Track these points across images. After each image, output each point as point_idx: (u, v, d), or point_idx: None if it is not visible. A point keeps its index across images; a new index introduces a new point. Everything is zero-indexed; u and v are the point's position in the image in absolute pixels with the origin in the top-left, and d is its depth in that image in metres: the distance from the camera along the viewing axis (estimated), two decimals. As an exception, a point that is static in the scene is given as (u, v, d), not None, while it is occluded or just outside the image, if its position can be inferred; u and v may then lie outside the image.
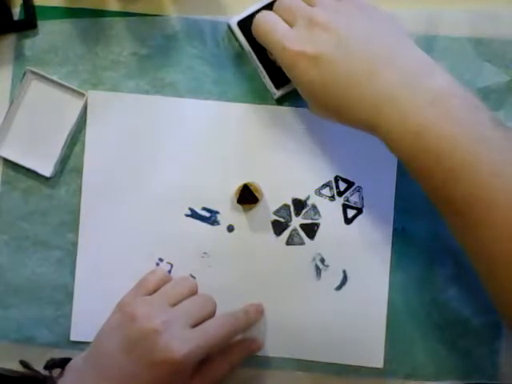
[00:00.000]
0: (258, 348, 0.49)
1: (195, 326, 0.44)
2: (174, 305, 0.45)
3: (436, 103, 0.39)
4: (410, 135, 0.39)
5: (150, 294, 0.46)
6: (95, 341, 0.45)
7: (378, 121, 0.41)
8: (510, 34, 0.51)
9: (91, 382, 0.43)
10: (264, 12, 0.46)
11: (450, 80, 0.40)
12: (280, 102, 0.51)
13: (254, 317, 0.48)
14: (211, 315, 0.45)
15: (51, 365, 0.46)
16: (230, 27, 0.50)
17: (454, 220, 0.40)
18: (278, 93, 0.50)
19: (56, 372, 0.46)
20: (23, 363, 0.49)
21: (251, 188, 0.49)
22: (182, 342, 0.42)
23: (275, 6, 0.46)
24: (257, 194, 0.49)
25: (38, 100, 0.51)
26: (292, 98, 0.51)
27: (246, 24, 0.49)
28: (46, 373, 0.46)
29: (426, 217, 0.49)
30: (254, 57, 0.50)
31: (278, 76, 0.49)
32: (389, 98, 0.40)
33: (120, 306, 0.45)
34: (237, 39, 0.50)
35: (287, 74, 0.45)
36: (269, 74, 0.50)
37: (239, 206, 0.50)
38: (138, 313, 0.43)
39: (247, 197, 0.49)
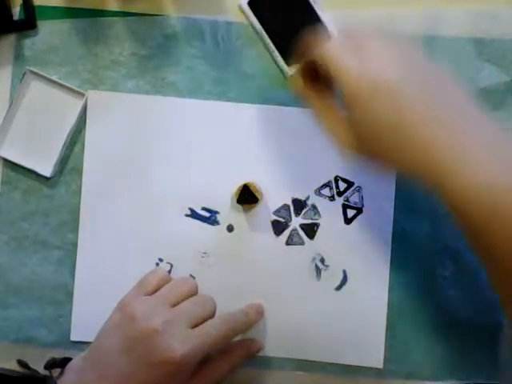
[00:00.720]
0: (258, 350, 0.49)
1: (195, 326, 0.43)
2: (174, 305, 0.45)
3: (497, 154, 0.36)
4: (477, 186, 0.36)
5: (150, 294, 0.46)
6: (95, 341, 0.45)
7: (442, 172, 0.37)
8: (510, 34, 0.51)
9: (91, 381, 0.43)
10: (334, 40, 0.43)
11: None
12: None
13: (254, 318, 0.48)
14: (211, 315, 0.45)
15: (51, 364, 0.46)
16: (240, 8, 0.51)
17: (496, 272, 0.37)
18: (290, 71, 0.50)
19: (56, 372, 0.46)
20: (21, 363, 0.49)
21: (251, 188, 0.49)
22: (181, 342, 0.41)
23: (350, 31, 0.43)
24: (257, 194, 0.49)
25: (37, 100, 0.51)
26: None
27: (256, 3, 0.50)
28: (45, 372, 0.46)
29: (426, 217, 0.49)
30: (265, 36, 0.50)
31: (290, 55, 0.50)
32: (458, 148, 0.37)
33: (120, 305, 0.45)
34: (247, 19, 0.51)
35: (347, 108, 0.40)
36: (280, 53, 0.50)
37: (239, 206, 0.50)
38: (138, 313, 0.43)
39: (247, 197, 0.49)
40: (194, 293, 0.46)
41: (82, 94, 0.51)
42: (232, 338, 0.46)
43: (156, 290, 0.46)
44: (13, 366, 0.49)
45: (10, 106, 0.51)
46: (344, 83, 0.39)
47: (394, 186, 0.50)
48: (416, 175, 0.38)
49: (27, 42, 0.51)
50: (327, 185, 0.51)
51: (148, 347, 0.41)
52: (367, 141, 0.40)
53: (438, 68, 0.40)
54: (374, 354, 0.50)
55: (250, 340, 0.49)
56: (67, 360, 0.46)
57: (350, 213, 0.51)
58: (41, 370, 0.47)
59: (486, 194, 0.35)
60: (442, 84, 0.39)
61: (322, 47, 0.41)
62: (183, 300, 0.45)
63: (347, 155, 0.41)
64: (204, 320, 0.44)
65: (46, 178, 0.51)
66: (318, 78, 0.44)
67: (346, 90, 0.39)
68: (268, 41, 0.50)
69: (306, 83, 0.44)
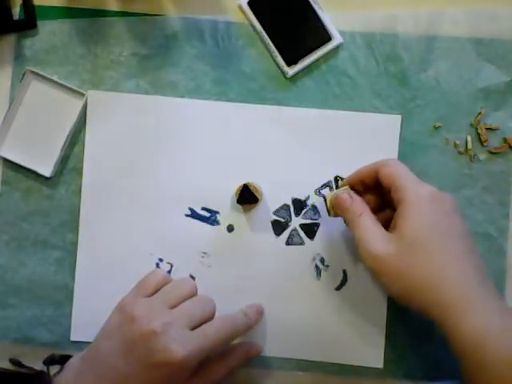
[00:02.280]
0: (257, 353, 0.49)
1: (195, 327, 0.43)
2: (174, 306, 0.44)
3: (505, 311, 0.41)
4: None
5: (150, 295, 0.46)
6: (94, 341, 0.45)
7: (472, 313, 0.41)
8: (510, 34, 0.51)
9: (88, 381, 0.43)
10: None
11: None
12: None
13: (254, 318, 0.48)
14: (211, 317, 0.45)
15: (50, 360, 0.46)
16: (240, 8, 0.51)
17: None
18: (290, 71, 0.50)
19: (55, 369, 0.46)
20: (13, 361, 0.49)
21: (251, 188, 0.49)
22: (181, 343, 0.41)
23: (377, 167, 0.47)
24: (257, 194, 0.49)
25: (37, 100, 0.51)
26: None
27: (256, 3, 0.50)
28: (41, 368, 0.46)
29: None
30: (265, 36, 0.50)
31: (290, 54, 0.50)
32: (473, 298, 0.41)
33: (119, 306, 0.45)
34: (247, 19, 0.51)
35: (409, 210, 0.44)
36: (280, 53, 0.50)
37: (239, 206, 0.50)
38: (137, 314, 0.43)
39: (247, 197, 0.49)
40: (193, 294, 0.46)
41: (82, 94, 0.51)
42: (232, 339, 0.46)
43: (155, 291, 0.46)
44: (13, 365, 0.49)
45: (9, 106, 0.51)
46: (413, 188, 0.44)
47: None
48: (435, 302, 0.42)
49: (27, 42, 0.51)
50: (327, 185, 0.51)
51: (147, 349, 0.41)
52: (406, 245, 0.43)
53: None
54: (374, 354, 0.50)
55: (249, 343, 0.49)
56: (67, 357, 0.46)
57: (350, 213, 0.51)
58: (40, 367, 0.47)
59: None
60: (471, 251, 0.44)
61: (391, 164, 0.46)
62: (183, 301, 0.45)
63: (371, 258, 0.43)
64: (203, 321, 0.44)
65: (46, 178, 0.51)
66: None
67: (413, 192, 0.44)
68: (268, 41, 0.50)
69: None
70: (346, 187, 0.47)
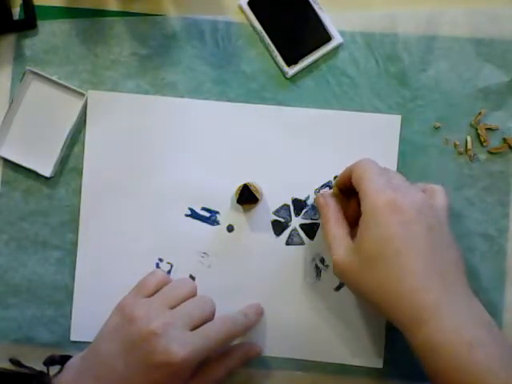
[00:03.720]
0: (256, 354, 0.49)
1: (194, 328, 0.43)
2: (174, 307, 0.44)
3: (487, 326, 0.40)
4: (464, 347, 0.39)
5: (150, 296, 0.46)
6: (94, 341, 0.45)
7: (425, 325, 0.40)
8: (510, 34, 0.51)
9: (88, 381, 0.43)
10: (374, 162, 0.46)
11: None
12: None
13: (253, 319, 0.48)
14: (210, 317, 0.45)
15: (50, 361, 0.46)
16: (240, 7, 0.51)
17: None
18: (290, 71, 0.50)
19: (55, 369, 0.46)
20: (13, 361, 0.48)
21: (251, 188, 0.49)
22: (181, 344, 0.41)
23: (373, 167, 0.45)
24: (257, 194, 0.49)
25: (37, 100, 0.51)
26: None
27: (256, 3, 0.50)
28: (41, 369, 0.46)
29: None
30: (265, 36, 0.50)
31: (290, 54, 0.50)
32: (443, 305, 0.40)
33: (119, 307, 0.45)
34: (247, 19, 0.51)
35: (366, 221, 0.43)
36: (280, 53, 0.50)
37: (239, 206, 0.50)
38: (137, 315, 0.43)
39: (247, 197, 0.49)
40: (193, 294, 0.46)
41: (82, 94, 0.51)
42: (231, 340, 0.46)
43: (155, 292, 0.46)
44: (12, 365, 0.49)
45: (9, 106, 0.51)
46: (372, 196, 0.42)
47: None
48: (392, 312, 0.41)
49: (27, 42, 0.51)
50: (327, 185, 0.51)
51: (147, 350, 0.41)
52: (364, 256, 0.42)
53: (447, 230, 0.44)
54: (373, 354, 0.50)
55: (249, 343, 0.49)
56: (67, 357, 0.46)
57: (350, 213, 0.51)
58: (40, 368, 0.47)
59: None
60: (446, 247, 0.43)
61: (359, 167, 0.45)
62: (182, 302, 0.45)
63: (338, 265, 0.44)
64: (203, 322, 0.44)
65: (46, 178, 0.51)
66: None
67: (371, 201, 0.42)
68: (268, 41, 0.50)
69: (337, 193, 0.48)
70: (328, 191, 0.48)
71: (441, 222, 0.43)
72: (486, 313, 0.41)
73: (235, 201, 0.49)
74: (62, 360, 0.46)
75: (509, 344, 0.40)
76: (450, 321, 0.39)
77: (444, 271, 0.41)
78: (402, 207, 0.42)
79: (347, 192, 0.47)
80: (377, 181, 0.43)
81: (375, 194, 0.42)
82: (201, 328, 0.44)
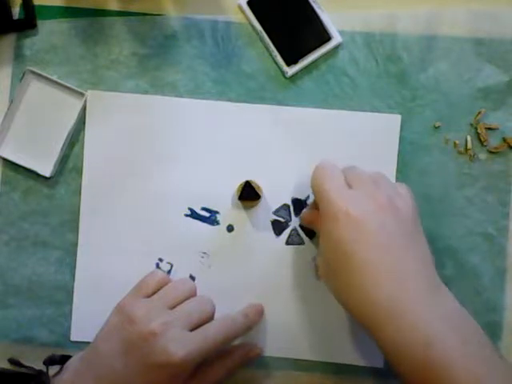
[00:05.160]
0: (256, 355, 0.49)
1: (194, 328, 0.43)
2: (173, 307, 0.44)
3: (447, 318, 0.39)
4: (420, 346, 0.38)
5: (149, 296, 0.46)
6: (94, 341, 0.45)
7: (382, 320, 0.40)
8: (510, 34, 0.51)
9: (87, 381, 0.43)
10: (331, 164, 0.46)
11: (459, 305, 0.41)
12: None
13: (253, 319, 0.48)
14: (210, 317, 0.45)
15: (50, 361, 0.46)
16: (240, 7, 0.51)
17: None
18: (289, 71, 0.50)
19: (55, 369, 0.46)
20: (13, 361, 0.48)
21: (253, 185, 0.49)
22: (180, 344, 0.41)
23: (346, 168, 0.46)
24: (258, 191, 0.49)
25: (37, 100, 0.51)
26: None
27: (255, 3, 0.50)
28: (41, 369, 0.46)
29: (426, 217, 0.49)
30: (265, 36, 0.50)
31: (289, 54, 0.50)
32: (401, 302, 0.40)
33: (118, 308, 0.45)
34: (247, 19, 0.51)
35: (319, 226, 0.44)
36: (280, 53, 0.50)
37: (239, 206, 0.50)
38: (136, 315, 0.43)
39: (249, 193, 0.49)
40: (192, 294, 0.46)
41: (82, 94, 0.51)
42: (231, 340, 0.46)
43: (155, 292, 0.46)
44: (13, 365, 0.49)
45: (9, 106, 0.51)
46: (324, 205, 0.43)
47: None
48: (357, 315, 0.42)
49: (27, 41, 0.51)
50: (327, 185, 0.51)
51: (146, 350, 0.41)
52: (325, 265, 0.44)
53: (411, 218, 0.43)
54: (374, 354, 0.50)
55: (249, 344, 0.49)
56: (66, 357, 0.46)
57: (350, 213, 0.51)
58: (40, 368, 0.47)
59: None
60: (405, 234, 0.42)
61: (314, 178, 0.46)
62: (182, 302, 0.45)
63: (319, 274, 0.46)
64: (203, 322, 0.44)
65: (46, 178, 0.51)
66: None
67: (323, 210, 0.43)
68: (268, 41, 0.50)
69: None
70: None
71: (398, 219, 0.42)
72: (452, 302, 0.41)
73: (236, 199, 0.49)
74: (62, 360, 0.46)
75: (475, 330, 0.40)
76: (406, 319, 0.39)
77: (401, 268, 0.41)
78: (353, 213, 0.41)
79: None
80: (328, 190, 0.43)
81: (328, 202, 0.43)
82: (200, 328, 0.44)
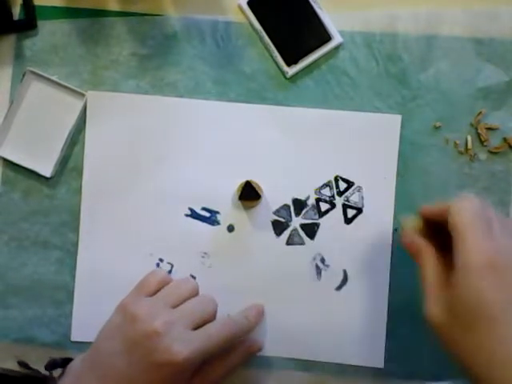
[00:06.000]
0: (258, 350, 0.49)
1: (196, 327, 0.43)
2: (175, 306, 0.45)
3: None
4: None
5: (151, 295, 0.46)
6: (95, 342, 0.45)
7: None
8: (510, 34, 0.51)
9: (91, 382, 0.43)
10: (476, 200, 0.41)
11: None
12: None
13: (254, 320, 0.48)
14: (212, 317, 0.45)
15: (52, 365, 0.46)
16: (240, 7, 0.51)
17: None
18: (290, 71, 0.50)
19: (57, 372, 0.46)
20: (21, 363, 0.48)
21: (253, 184, 0.49)
22: (183, 343, 0.41)
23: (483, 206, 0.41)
24: (258, 191, 0.49)
25: (37, 100, 0.51)
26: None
27: (255, 3, 0.50)
28: (46, 373, 0.46)
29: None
30: (265, 36, 0.50)
31: (289, 54, 0.50)
32: None
33: (121, 307, 0.45)
34: (247, 19, 0.51)
35: (460, 280, 0.38)
36: (280, 53, 0.50)
37: (240, 206, 0.50)
38: (139, 314, 0.43)
39: (249, 193, 0.49)
40: (194, 293, 0.46)
41: (82, 94, 0.51)
42: (233, 339, 0.45)
43: (156, 291, 0.46)
44: (13, 365, 0.50)
45: (9, 106, 0.51)
46: (467, 253, 0.38)
47: (394, 186, 0.50)
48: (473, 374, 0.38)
49: (27, 41, 0.51)
50: (327, 185, 0.51)
51: (149, 349, 0.41)
52: (456, 316, 0.38)
53: None
54: (374, 354, 0.50)
55: (250, 342, 0.49)
56: (68, 360, 0.46)
57: (350, 213, 0.51)
58: (41, 369, 0.47)
59: None
60: None
61: (458, 213, 0.40)
62: (184, 301, 0.45)
63: (429, 319, 0.40)
64: (205, 321, 0.44)
65: (46, 178, 0.51)
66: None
67: (465, 259, 0.38)
68: (268, 41, 0.50)
69: (425, 237, 0.43)
70: (410, 227, 0.44)
71: None
72: None
73: (236, 199, 0.49)
74: (64, 363, 0.46)
75: None
76: None
77: None
78: (502, 268, 0.37)
79: (433, 223, 0.43)
80: (476, 233, 0.38)
81: (472, 250, 0.38)
82: (203, 327, 0.44)
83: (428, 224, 0.44)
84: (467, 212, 0.39)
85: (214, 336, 0.43)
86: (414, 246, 0.43)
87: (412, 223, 0.44)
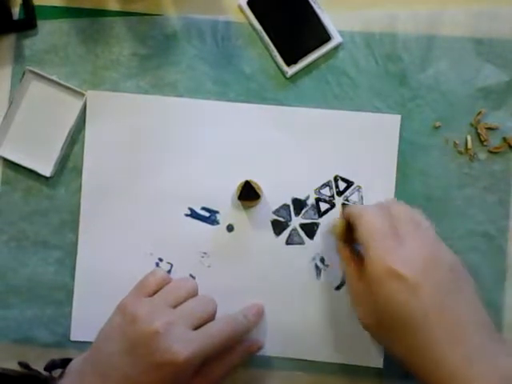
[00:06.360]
0: (258, 349, 0.49)
1: (197, 327, 0.43)
2: (175, 306, 0.44)
3: (505, 378, 0.38)
4: None
5: (151, 295, 0.46)
6: (95, 342, 0.44)
7: (440, 381, 0.39)
8: (510, 34, 0.51)
9: (91, 382, 0.43)
10: (375, 209, 0.44)
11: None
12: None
13: (254, 319, 0.48)
14: (212, 316, 0.45)
15: (52, 365, 0.46)
16: (240, 7, 0.51)
17: None
18: (289, 71, 0.50)
19: (57, 373, 0.46)
20: (22, 364, 0.48)
21: (253, 184, 0.49)
22: (184, 344, 0.41)
23: (387, 205, 0.45)
24: (258, 191, 0.49)
25: (37, 100, 0.51)
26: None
27: (255, 3, 0.50)
28: (46, 374, 0.46)
29: (426, 216, 0.49)
30: (265, 36, 0.50)
31: (289, 54, 0.50)
32: (462, 366, 0.39)
33: (120, 307, 0.45)
34: (247, 19, 0.51)
35: (367, 282, 0.42)
36: (280, 53, 0.50)
37: (239, 206, 0.50)
38: (139, 314, 0.43)
39: (249, 193, 0.49)
40: (194, 293, 0.46)
41: (82, 94, 0.51)
42: (234, 339, 0.45)
43: (156, 291, 0.46)
44: (13, 365, 0.49)
45: (9, 106, 0.51)
46: (370, 263, 0.42)
47: (394, 186, 0.50)
48: (415, 373, 0.41)
49: (27, 41, 0.51)
50: (327, 184, 0.51)
51: (150, 349, 0.41)
52: (375, 317, 0.42)
53: (460, 271, 0.42)
54: (374, 354, 0.50)
55: (250, 341, 0.49)
56: (67, 361, 0.46)
57: (350, 213, 0.51)
58: (41, 369, 0.47)
59: None
60: (458, 288, 0.41)
61: (363, 225, 0.43)
62: (184, 301, 0.45)
63: (360, 321, 0.44)
64: (205, 321, 0.44)
65: (46, 178, 0.51)
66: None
67: (369, 269, 0.42)
68: (268, 41, 0.50)
69: (346, 243, 0.47)
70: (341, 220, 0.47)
71: (446, 269, 0.41)
72: (508, 356, 0.39)
73: (236, 199, 0.49)
74: (63, 363, 0.46)
75: None
76: (460, 382, 0.38)
77: (460, 324, 0.40)
78: (404, 273, 0.40)
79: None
80: (377, 246, 0.42)
81: (373, 261, 0.41)
82: (204, 327, 0.44)
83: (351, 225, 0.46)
84: (370, 225, 0.43)
85: (214, 336, 0.43)
86: (341, 254, 0.47)
87: (338, 224, 0.47)
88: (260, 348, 0.49)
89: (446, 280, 0.41)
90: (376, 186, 0.50)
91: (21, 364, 0.48)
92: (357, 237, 0.44)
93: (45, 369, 0.46)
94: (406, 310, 0.40)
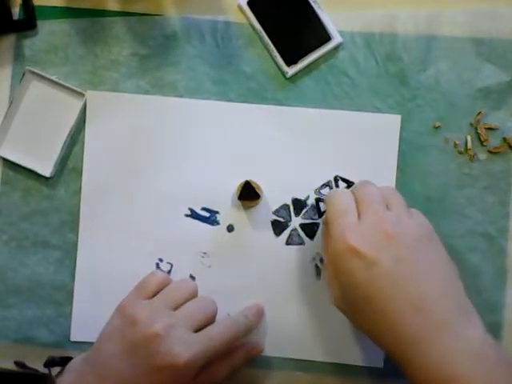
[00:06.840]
0: (259, 352, 0.49)
1: (197, 329, 0.43)
2: (175, 308, 0.44)
3: (473, 354, 0.38)
4: (444, 381, 0.38)
5: (150, 297, 0.46)
6: (96, 342, 0.44)
7: (410, 357, 0.39)
8: (510, 34, 0.51)
9: (91, 382, 0.43)
10: (344, 191, 0.45)
11: (484, 331, 0.40)
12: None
13: (254, 319, 0.48)
14: (213, 318, 0.45)
15: (50, 362, 0.46)
16: (240, 7, 0.51)
17: None
18: (289, 71, 0.50)
19: (55, 370, 0.46)
20: (19, 363, 0.48)
21: (253, 184, 0.49)
22: (185, 346, 0.41)
23: (357, 186, 0.45)
24: (258, 191, 0.49)
25: (37, 100, 0.51)
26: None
27: (255, 3, 0.50)
28: (45, 370, 0.46)
29: (426, 216, 0.49)
30: (265, 36, 0.50)
31: (289, 54, 0.50)
32: (428, 338, 0.39)
33: (120, 309, 0.45)
34: (247, 19, 0.51)
35: (331, 261, 0.43)
36: (280, 53, 0.50)
37: (239, 206, 0.50)
38: (139, 316, 0.43)
39: (249, 193, 0.49)
40: (194, 295, 0.46)
41: (82, 94, 0.51)
42: (234, 341, 0.45)
43: (156, 293, 0.46)
44: (13, 366, 0.49)
45: (9, 106, 0.51)
46: (333, 242, 0.42)
47: (394, 186, 0.50)
48: (385, 350, 0.41)
49: (27, 42, 0.51)
50: (327, 185, 0.51)
51: (150, 352, 0.41)
52: (345, 299, 0.42)
53: (434, 250, 0.43)
54: (374, 354, 0.50)
55: (251, 343, 0.49)
56: (67, 359, 0.46)
57: (350, 213, 0.51)
58: (40, 369, 0.47)
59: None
60: (430, 266, 0.41)
61: (328, 205, 0.45)
62: (184, 303, 0.45)
63: (334, 304, 0.44)
64: (206, 323, 0.44)
65: (46, 178, 0.51)
66: None
67: (331, 248, 0.42)
68: (268, 41, 0.50)
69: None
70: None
71: (412, 244, 0.41)
72: (478, 331, 0.39)
73: (236, 199, 0.49)
74: (63, 361, 0.46)
75: (498, 359, 0.38)
76: (433, 357, 0.38)
77: (425, 299, 0.40)
78: (362, 250, 0.41)
79: None
80: (338, 224, 0.42)
81: (335, 238, 0.42)
82: (204, 330, 0.43)
83: None
84: (335, 205, 0.44)
85: (215, 338, 0.43)
86: (322, 240, 0.47)
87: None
88: (261, 351, 0.49)
89: (408, 253, 0.41)
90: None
91: (17, 363, 0.48)
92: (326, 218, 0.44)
93: (44, 365, 0.46)
94: (366, 287, 0.40)
